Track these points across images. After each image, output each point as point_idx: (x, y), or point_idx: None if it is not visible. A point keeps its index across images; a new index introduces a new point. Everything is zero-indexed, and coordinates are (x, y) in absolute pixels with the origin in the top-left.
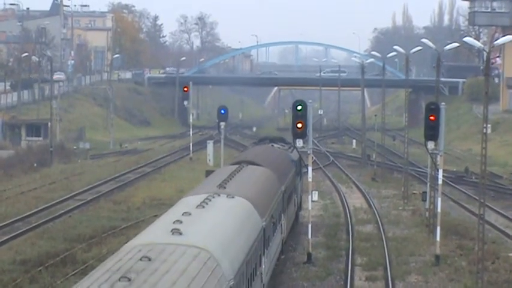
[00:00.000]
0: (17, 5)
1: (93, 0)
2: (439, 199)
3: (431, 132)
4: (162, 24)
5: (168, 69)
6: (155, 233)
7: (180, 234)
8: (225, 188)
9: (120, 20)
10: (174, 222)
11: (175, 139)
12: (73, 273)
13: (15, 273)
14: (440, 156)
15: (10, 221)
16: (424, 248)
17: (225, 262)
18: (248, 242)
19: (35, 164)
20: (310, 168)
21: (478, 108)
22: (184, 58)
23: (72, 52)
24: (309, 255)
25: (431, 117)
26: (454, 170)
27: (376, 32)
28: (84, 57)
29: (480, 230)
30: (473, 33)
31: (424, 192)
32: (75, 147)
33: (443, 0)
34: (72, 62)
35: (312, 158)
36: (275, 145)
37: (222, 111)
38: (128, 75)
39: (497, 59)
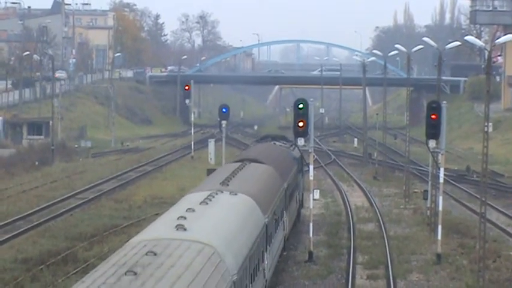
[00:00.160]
0: (19, 3)
1: None
2: (441, 198)
3: (433, 130)
4: (163, 23)
5: (170, 68)
6: (160, 229)
7: (185, 229)
8: (228, 185)
9: (121, 19)
10: (178, 218)
11: (177, 138)
12: (74, 271)
13: (16, 272)
14: (442, 154)
15: (11, 219)
16: (425, 246)
17: (228, 257)
18: (251, 238)
19: (37, 163)
20: (311, 167)
21: (480, 107)
22: (185, 57)
23: (74, 51)
24: (311, 253)
25: (433, 116)
26: (456, 168)
27: (377, 30)
28: (85, 56)
29: (481, 228)
30: (474, 31)
31: (426, 191)
32: (76, 146)
33: None
34: (74, 60)
35: (314, 156)
36: (277, 143)
37: (224, 110)
38: (130, 73)
39: (499, 57)
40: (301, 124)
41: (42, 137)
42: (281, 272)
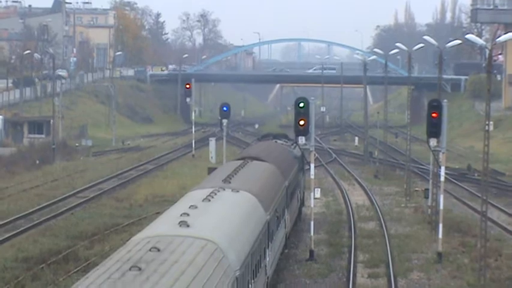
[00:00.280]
0: (19, 2)
1: None
2: (442, 196)
3: (434, 129)
4: (164, 22)
5: (171, 66)
6: (163, 225)
7: (188, 226)
8: (230, 182)
9: (122, 17)
10: (181, 215)
11: (178, 136)
12: (75, 270)
13: (17, 271)
14: (443, 153)
15: (12, 218)
16: (426, 245)
17: (231, 253)
18: (253, 235)
19: (37, 162)
20: (312, 166)
21: (480, 106)
22: (186, 55)
23: (74, 49)
24: (311, 252)
25: (434, 115)
26: (457, 167)
27: (378, 29)
28: (86, 55)
29: (482, 227)
30: (475, 30)
31: (427, 190)
32: (77, 145)
33: None
34: (74, 59)
35: (315, 155)
36: (278, 141)
37: (225, 109)
38: (130, 72)
39: (500, 56)
40: (302, 123)
41: (43, 135)
42: (282, 270)
